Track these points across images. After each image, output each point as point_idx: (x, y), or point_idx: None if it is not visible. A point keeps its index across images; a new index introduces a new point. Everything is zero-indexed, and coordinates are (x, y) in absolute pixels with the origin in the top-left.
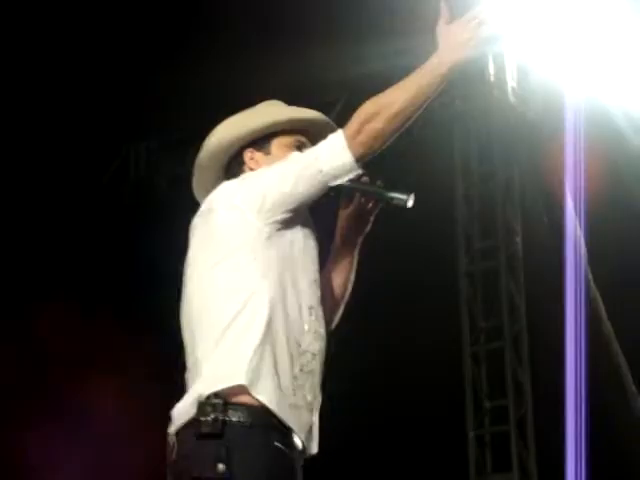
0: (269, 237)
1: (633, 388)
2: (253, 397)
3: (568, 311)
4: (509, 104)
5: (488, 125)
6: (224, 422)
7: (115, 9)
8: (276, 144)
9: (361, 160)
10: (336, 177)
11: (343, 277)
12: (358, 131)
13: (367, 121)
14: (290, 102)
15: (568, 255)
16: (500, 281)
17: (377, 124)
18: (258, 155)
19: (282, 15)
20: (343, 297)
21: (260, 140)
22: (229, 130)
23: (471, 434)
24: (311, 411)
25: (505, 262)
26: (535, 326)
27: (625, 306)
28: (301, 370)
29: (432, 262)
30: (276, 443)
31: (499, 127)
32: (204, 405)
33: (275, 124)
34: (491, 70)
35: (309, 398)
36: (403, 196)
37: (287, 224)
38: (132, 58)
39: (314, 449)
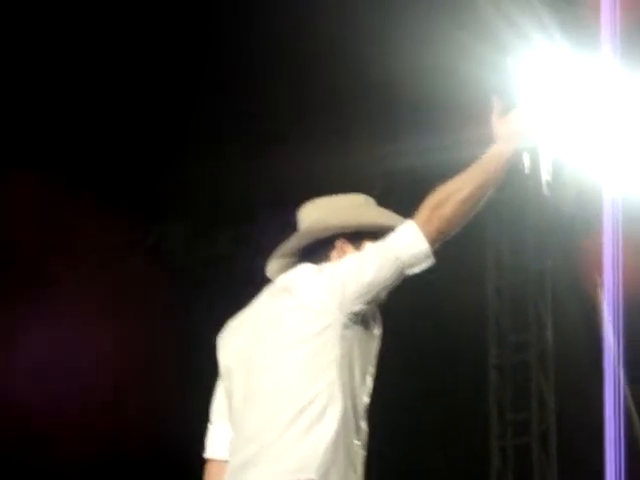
0: (346, 327)
1: None
2: None
3: (607, 420)
4: (543, 197)
5: (522, 217)
6: None
7: (146, 93)
8: (367, 243)
9: (433, 247)
10: (412, 265)
11: None
12: (429, 218)
13: (436, 208)
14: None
15: (607, 360)
16: (531, 375)
17: (446, 210)
18: (349, 248)
19: (318, 110)
20: None
21: (354, 234)
22: (336, 215)
23: None
24: None
25: (536, 356)
26: (564, 423)
27: None
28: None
29: (463, 353)
30: None
31: (533, 219)
32: None
33: (380, 227)
34: (526, 162)
35: None
36: None
37: (362, 316)
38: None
39: None
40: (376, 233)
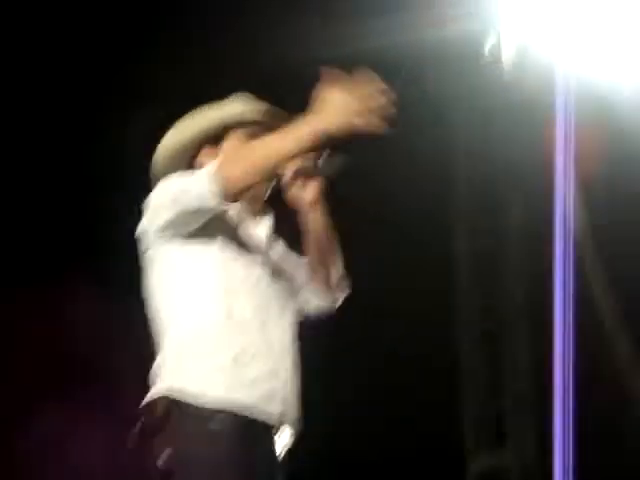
0: None
1: None
2: None
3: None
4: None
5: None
6: None
7: None
8: (230, 138)
9: (228, 193)
10: (198, 207)
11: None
12: (220, 169)
13: (227, 163)
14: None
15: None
16: None
17: (235, 171)
18: (213, 151)
19: None
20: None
21: (216, 137)
22: (181, 134)
23: None
24: None
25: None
26: None
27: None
28: None
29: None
30: None
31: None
32: None
33: (221, 122)
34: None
35: None
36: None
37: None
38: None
39: None
40: (240, 124)
